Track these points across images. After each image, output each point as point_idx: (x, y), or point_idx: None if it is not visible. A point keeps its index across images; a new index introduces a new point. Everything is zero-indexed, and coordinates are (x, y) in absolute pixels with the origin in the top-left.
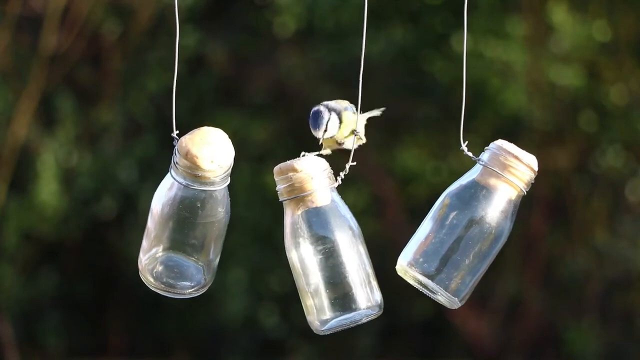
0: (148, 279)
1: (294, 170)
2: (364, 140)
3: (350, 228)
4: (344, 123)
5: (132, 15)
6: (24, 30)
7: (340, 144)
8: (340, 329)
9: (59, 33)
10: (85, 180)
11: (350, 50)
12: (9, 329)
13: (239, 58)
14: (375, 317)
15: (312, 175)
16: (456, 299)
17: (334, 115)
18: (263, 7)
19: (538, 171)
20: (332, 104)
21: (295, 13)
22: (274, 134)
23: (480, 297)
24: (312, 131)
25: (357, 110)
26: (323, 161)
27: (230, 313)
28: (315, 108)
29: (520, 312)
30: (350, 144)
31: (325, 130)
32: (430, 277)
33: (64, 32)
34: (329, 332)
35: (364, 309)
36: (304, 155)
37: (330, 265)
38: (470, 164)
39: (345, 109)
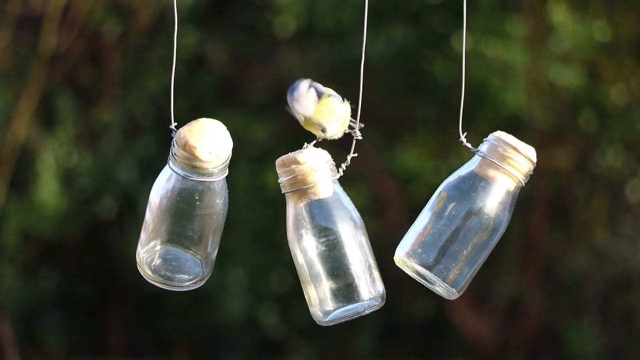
0: (146, 272)
1: (297, 162)
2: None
3: (353, 219)
4: (323, 105)
5: (132, 15)
6: (24, 30)
7: (323, 130)
8: (343, 320)
9: (59, 33)
10: (85, 180)
11: (350, 50)
12: (9, 329)
13: (239, 58)
14: (378, 307)
15: (314, 168)
16: (454, 289)
17: (312, 91)
18: (263, 7)
19: (538, 171)
20: (318, 85)
21: (295, 13)
22: (274, 134)
23: (480, 296)
24: (289, 100)
25: (357, 110)
26: (325, 153)
27: (230, 313)
28: (294, 82)
29: (520, 312)
30: (333, 133)
31: (297, 101)
32: (429, 267)
33: (64, 32)
34: (332, 324)
35: (366, 300)
36: (306, 147)
37: (333, 257)
38: (470, 159)
39: (329, 95)
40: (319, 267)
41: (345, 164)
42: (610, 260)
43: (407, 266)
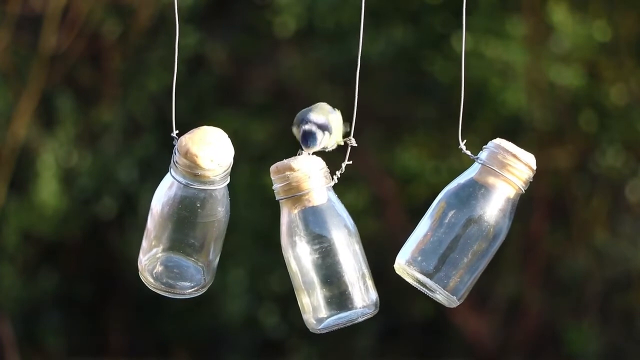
0: (148, 279)
1: (291, 169)
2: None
3: (347, 227)
4: (333, 132)
5: (132, 15)
6: (24, 30)
7: (324, 148)
8: (336, 327)
9: (59, 33)
10: (85, 180)
11: (350, 50)
12: (9, 329)
13: (239, 58)
14: (371, 316)
15: (308, 175)
16: (454, 297)
17: (326, 134)
18: (263, 7)
19: (538, 171)
20: (320, 117)
21: (295, 13)
22: (274, 134)
23: (480, 297)
24: (304, 147)
25: (353, 111)
26: (319, 160)
27: (230, 313)
28: (307, 127)
29: (520, 312)
30: (332, 144)
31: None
32: (429, 275)
33: (64, 32)
34: (325, 331)
35: (360, 308)
36: (300, 154)
37: (327, 264)
38: (470, 164)
39: (329, 112)
40: (313, 275)
41: (340, 171)
42: (610, 260)
43: (408, 274)
